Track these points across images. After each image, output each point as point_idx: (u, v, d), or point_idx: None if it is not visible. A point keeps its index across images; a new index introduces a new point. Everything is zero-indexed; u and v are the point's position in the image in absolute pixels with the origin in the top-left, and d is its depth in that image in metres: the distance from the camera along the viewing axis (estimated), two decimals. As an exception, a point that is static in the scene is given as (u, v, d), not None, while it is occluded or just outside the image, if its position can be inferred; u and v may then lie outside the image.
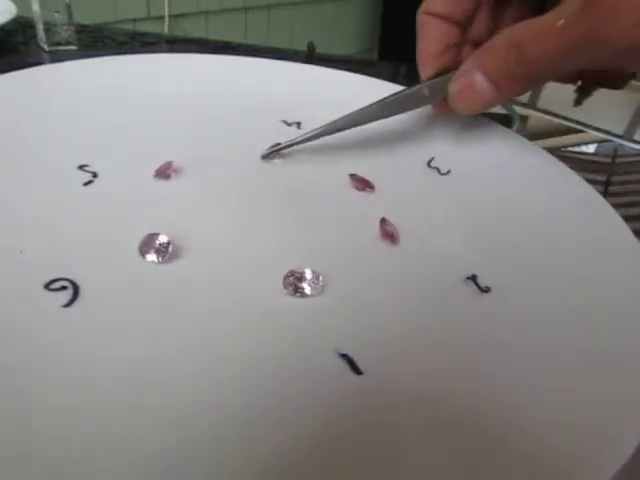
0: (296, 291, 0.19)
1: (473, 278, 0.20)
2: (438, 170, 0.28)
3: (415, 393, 0.16)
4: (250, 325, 0.17)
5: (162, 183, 0.23)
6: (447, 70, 0.25)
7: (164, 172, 0.24)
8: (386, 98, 0.26)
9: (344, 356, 0.16)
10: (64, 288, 0.17)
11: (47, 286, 0.17)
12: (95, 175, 0.23)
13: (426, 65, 0.26)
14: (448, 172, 0.27)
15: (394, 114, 0.26)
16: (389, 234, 0.22)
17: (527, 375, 0.16)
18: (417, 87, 0.26)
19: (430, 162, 0.28)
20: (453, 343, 0.17)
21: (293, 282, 0.19)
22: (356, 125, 0.26)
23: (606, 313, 0.18)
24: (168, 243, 0.19)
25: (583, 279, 0.20)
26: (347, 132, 0.26)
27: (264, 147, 0.26)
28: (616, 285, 0.19)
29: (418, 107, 0.27)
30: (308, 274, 0.19)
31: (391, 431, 0.14)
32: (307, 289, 0.19)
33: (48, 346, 0.15)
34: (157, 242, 0.19)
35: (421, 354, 0.17)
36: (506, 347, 0.17)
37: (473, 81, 0.22)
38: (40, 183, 0.22)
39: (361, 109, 0.25)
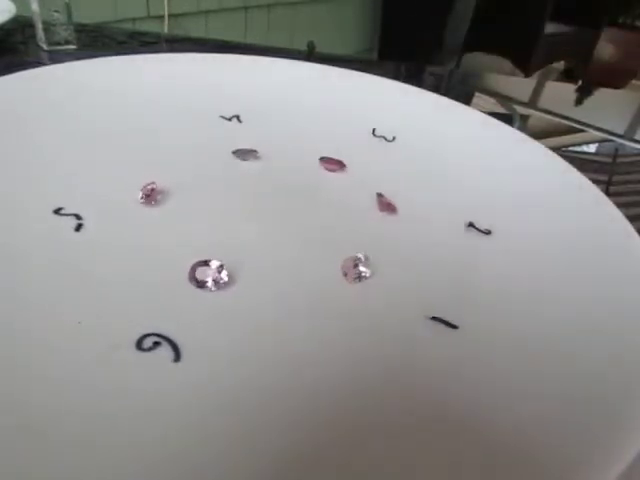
0: (358, 277, 0.19)
1: (472, 224, 0.23)
2: (384, 138, 0.30)
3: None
4: (345, 322, 0.18)
5: (156, 209, 0.22)
6: None
7: (152, 196, 0.22)
8: None
9: (435, 318, 0.18)
10: (157, 344, 0.16)
11: (139, 346, 0.16)
12: (79, 217, 0.20)
13: None
14: (394, 139, 0.30)
15: None
16: (388, 205, 0.24)
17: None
18: None
19: (374, 132, 0.30)
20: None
21: (352, 270, 0.19)
22: None
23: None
24: (222, 266, 0.18)
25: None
26: (293, 118, 0.29)
27: (234, 147, 0.27)
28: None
29: None
30: (361, 257, 0.20)
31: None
32: (365, 272, 0.20)
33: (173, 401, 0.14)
34: (211, 269, 0.18)
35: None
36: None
37: None
38: (30, 239, 0.19)
39: None
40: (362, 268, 0.20)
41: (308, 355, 0.16)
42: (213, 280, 0.18)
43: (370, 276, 0.20)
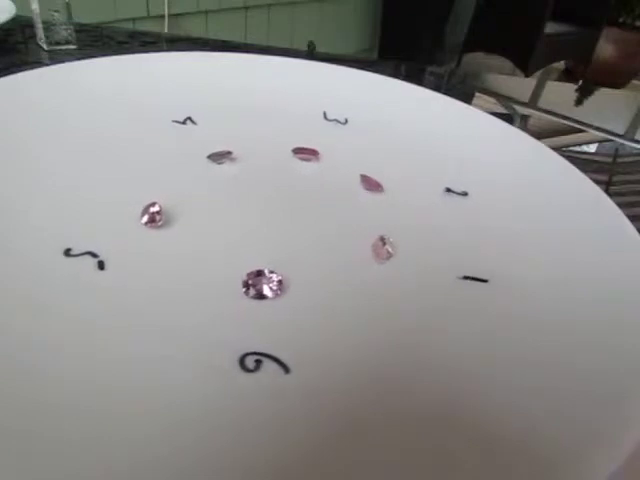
0: (387, 256, 0.21)
1: (449, 190, 0.25)
2: (337, 120, 0.31)
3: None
4: (399, 301, 0.19)
5: (165, 231, 0.21)
6: None
7: (157, 219, 0.21)
8: None
9: (466, 277, 0.20)
10: (260, 362, 0.16)
11: (243, 367, 0.15)
12: (94, 255, 0.19)
13: None
14: (346, 121, 0.31)
15: None
16: (375, 184, 0.25)
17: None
18: None
19: (325, 115, 0.31)
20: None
21: (382, 249, 0.21)
22: None
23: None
24: (271, 272, 0.18)
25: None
26: (251, 111, 0.30)
27: (205, 151, 0.26)
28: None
29: None
30: (386, 236, 0.21)
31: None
32: (391, 250, 0.21)
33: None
34: (265, 278, 0.18)
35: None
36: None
37: None
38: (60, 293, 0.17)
39: None
40: (387, 247, 0.21)
41: (389, 341, 0.17)
42: (270, 288, 0.18)
43: (394, 253, 0.21)
